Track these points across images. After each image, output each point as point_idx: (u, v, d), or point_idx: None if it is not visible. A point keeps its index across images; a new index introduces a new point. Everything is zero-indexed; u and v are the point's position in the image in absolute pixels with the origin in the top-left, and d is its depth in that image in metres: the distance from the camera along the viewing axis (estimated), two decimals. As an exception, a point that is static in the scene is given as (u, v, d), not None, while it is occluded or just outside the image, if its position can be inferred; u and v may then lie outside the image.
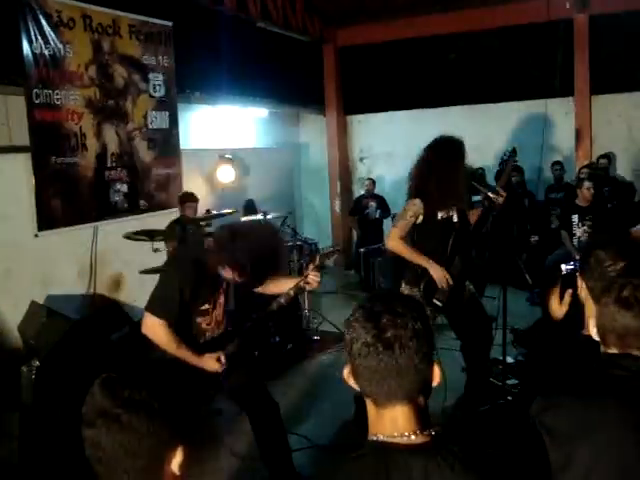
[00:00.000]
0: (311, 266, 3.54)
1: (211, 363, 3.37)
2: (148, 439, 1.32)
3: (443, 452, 1.40)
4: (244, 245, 3.18)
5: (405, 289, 4.58)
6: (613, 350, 1.79)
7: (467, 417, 4.82)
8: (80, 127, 6.46)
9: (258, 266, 3.22)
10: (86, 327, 5.47)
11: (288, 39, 10.02)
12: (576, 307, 2.37)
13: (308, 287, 3.56)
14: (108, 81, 6.82)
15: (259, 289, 3.63)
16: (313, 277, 3.51)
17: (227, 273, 3.29)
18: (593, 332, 1.86)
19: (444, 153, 4.46)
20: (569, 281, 2.35)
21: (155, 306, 3.29)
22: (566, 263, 3.56)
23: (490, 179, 9.18)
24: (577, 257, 6.94)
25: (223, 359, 3.39)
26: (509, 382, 5.08)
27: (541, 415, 1.79)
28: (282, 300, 3.53)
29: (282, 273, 3.69)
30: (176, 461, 1.38)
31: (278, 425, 3.70)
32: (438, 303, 4.50)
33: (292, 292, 3.54)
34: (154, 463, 1.35)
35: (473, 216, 4.76)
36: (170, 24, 7.62)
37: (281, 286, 3.60)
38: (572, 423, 1.72)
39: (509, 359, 5.31)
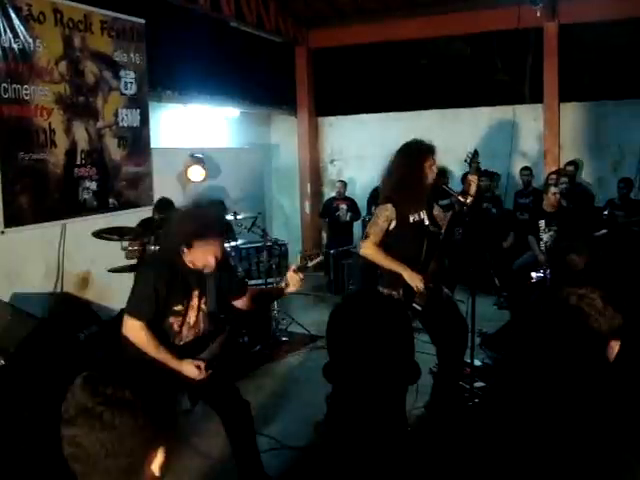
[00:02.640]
0: (293, 267, 3.58)
1: (191, 369, 3.33)
2: (131, 438, 1.29)
3: None
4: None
5: (384, 291, 4.59)
6: None
7: (435, 419, 4.85)
8: (49, 123, 6.35)
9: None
10: (53, 326, 5.40)
11: (261, 40, 10.00)
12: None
13: (289, 289, 3.58)
14: (79, 77, 6.72)
15: (239, 303, 3.64)
16: (291, 275, 3.54)
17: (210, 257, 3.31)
18: None
19: (403, 155, 4.54)
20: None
21: (134, 308, 3.30)
22: (536, 270, 3.62)
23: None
24: (544, 262, 7.05)
25: (203, 367, 3.35)
26: (476, 385, 5.12)
27: None
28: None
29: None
30: (157, 462, 1.36)
31: (249, 424, 3.69)
32: (417, 307, 4.51)
33: (273, 293, 3.69)
34: (135, 463, 1.32)
35: (439, 220, 4.78)
36: (143, 21, 7.54)
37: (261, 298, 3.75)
38: None
39: (476, 362, 5.36)
